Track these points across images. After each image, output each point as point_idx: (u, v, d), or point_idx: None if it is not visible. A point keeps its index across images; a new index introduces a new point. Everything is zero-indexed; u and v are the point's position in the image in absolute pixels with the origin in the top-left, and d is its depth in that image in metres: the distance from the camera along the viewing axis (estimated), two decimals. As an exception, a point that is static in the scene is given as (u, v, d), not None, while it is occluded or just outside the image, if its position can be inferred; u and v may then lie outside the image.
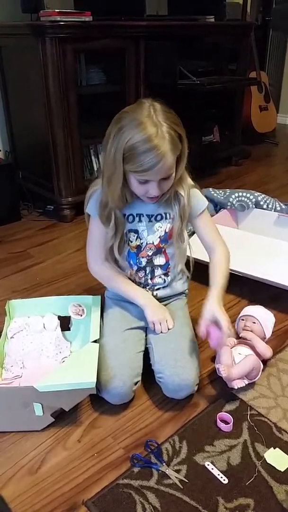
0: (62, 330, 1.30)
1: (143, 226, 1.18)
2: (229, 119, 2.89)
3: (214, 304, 1.13)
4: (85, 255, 1.26)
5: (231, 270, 1.52)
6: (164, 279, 1.25)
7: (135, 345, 1.17)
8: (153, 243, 1.19)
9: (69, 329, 1.32)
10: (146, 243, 1.19)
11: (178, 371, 1.09)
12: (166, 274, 1.25)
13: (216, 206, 1.91)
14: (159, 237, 1.19)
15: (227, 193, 1.90)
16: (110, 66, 2.28)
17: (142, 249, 1.20)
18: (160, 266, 1.22)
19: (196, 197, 1.19)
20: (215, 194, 1.90)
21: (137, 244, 1.19)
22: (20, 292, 1.62)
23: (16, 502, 0.91)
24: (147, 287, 1.25)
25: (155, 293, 1.25)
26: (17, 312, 1.35)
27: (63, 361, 1.21)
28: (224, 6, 2.83)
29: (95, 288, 1.56)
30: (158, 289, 1.25)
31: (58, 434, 1.05)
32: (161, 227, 1.18)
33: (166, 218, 1.18)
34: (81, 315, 1.32)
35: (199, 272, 1.30)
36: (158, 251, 1.20)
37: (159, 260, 1.22)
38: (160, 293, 1.26)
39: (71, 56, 1.91)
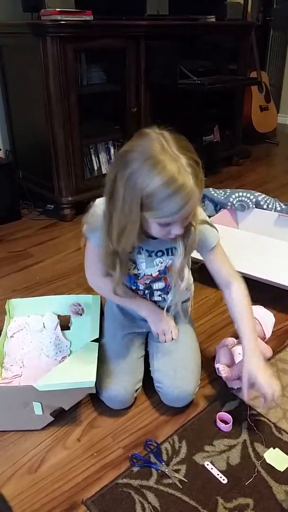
0: (61, 330, 1.30)
1: (142, 259, 1.08)
2: (230, 119, 2.89)
3: (253, 364, 1.01)
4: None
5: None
6: (164, 297, 1.18)
7: (137, 350, 1.17)
8: (151, 275, 1.11)
9: (68, 329, 1.32)
10: (144, 274, 1.11)
11: (177, 383, 1.08)
12: (166, 293, 1.18)
13: (216, 206, 1.91)
14: (158, 270, 1.11)
15: (227, 193, 1.90)
16: (111, 66, 2.27)
17: (139, 277, 1.13)
18: (159, 289, 1.16)
19: (206, 232, 1.07)
20: (215, 194, 1.90)
21: (134, 273, 1.12)
22: (20, 291, 1.62)
23: (15, 501, 0.91)
24: (160, 297, 1.19)
25: (157, 304, 1.20)
26: (17, 311, 1.35)
27: (63, 361, 1.21)
28: (225, 5, 2.82)
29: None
30: (159, 301, 1.20)
31: (58, 433, 1.05)
32: (161, 263, 1.09)
33: (167, 255, 1.09)
34: (81, 314, 1.32)
35: (199, 272, 1.30)
36: (157, 279, 1.13)
37: (158, 285, 1.15)
38: (163, 304, 1.19)
39: (72, 55, 1.91)
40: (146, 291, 1.17)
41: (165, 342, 1.16)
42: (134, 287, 1.17)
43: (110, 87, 2.29)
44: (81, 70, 2.18)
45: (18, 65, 2.10)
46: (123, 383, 1.08)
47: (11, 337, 1.27)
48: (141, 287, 1.16)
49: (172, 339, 1.16)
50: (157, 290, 1.17)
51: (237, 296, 1.11)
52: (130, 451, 1.01)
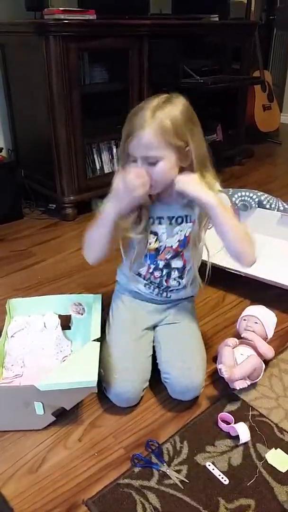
0: (62, 329, 1.30)
1: (163, 229, 1.14)
2: (233, 118, 2.88)
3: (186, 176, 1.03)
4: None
5: (234, 270, 1.52)
6: (179, 281, 1.21)
7: (146, 348, 1.17)
8: (171, 246, 1.16)
9: (69, 328, 1.32)
10: (165, 247, 1.16)
11: (185, 373, 1.08)
12: (181, 277, 1.21)
13: (219, 206, 1.90)
14: (178, 240, 1.15)
15: (230, 193, 1.89)
16: (114, 65, 2.27)
17: (160, 252, 1.17)
18: (177, 268, 1.19)
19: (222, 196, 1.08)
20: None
21: (155, 247, 1.16)
22: (21, 290, 1.62)
23: (16, 501, 0.91)
24: (161, 288, 1.22)
25: (169, 295, 1.23)
26: (18, 311, 1.35)
27: (64, 360, 1.21)
28: (228, 5, 2.82)
29: (97, 287, 1.56)
30: (172, 291, 1.23)
31: (59, 433, 1.05)
32: (181, 231, 1.14)
33: (187, 222, 1.13)
34: (82, 314, 1.32)
35: (200, 273, 1.30)
36: (176, 254, 1.17)
37: (177, 263, 1.19)
38: (174, 295, 1.24)
39: (75, 55, 1.91)
40: (165, 271, 1.19)
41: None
42: (153, 267, 1.19)
43: (113, 86, 2.29)
44: (84, 69, 2.18)
45: (21, 64, 2.10)
46: (132, 382, 1.08)
47: (11, 336, 1.27)
48: (161, 264, 1.18)
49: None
50: (175, 269, 1.19)
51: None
52: (131, 451, 1.00)
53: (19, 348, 1.24)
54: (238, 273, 1.52)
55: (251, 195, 1.88)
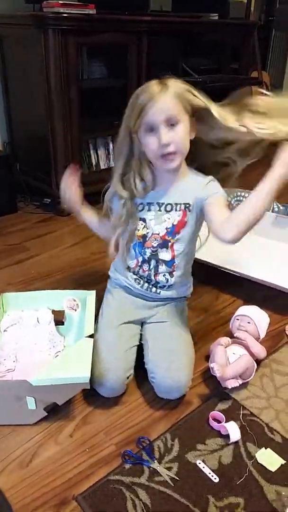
0: (56, 325, 1.30)
1: (152, 216, 1.17)
2: (230, 118, 2.88)
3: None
4: (81, 250, 1.26)
5: (228, 269, 1.53)
6: (168, 278, 1.22)
7: (130, 339, 1.17)
8: (159, 233, 1.17)
9: (62, 324, 1.31)
10: (152, 233, 1.18)
11: (171, 374, 1.09)
12: (170, 274, 1.22)
13: (214, 205, 1.91)
14: (166, 228, 1.17)
15: (226, 192, 1.90)
16: (112, 61, 2.26)
17: (147, 239, 1.18)
18: (164, 262, 1.20)
19: (212, 186, 1.14)
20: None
21: (143, 234, 1.18)
22: (15, 285, 1.61)
23: (6, 495, 0.90)
24: (151, 284, 1.23)
25: (158, 291, 1.24)
26: (11, 305, 1.34)
27: (57, 356, 1.20)
28: (228, 4, 2.82)
29: (91, 283, 1.55)
30: (161, 287, 1.24)
31: (50, 428, 1.05)
32: (169, 219, 1.16)
33: (176, 210, 1.15)
34: (75, 310, 1.31)
35: (195, 271, 1.30)
36: (164, 244, 1.18)
37: (164, 255, 1.19)
38: (164, 293, 1.24)
39: (73, 49, 1.89)
40: (152, 262, 1.20)
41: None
42: (141, 259, 1.21)
43: (111, 82, 2.28)
44: (82, 64, 2.17)
45: (19, 57, 2.08)
46: (115, 370, 1.08)
47: (4, 331, 1.26)
48: (148, 253, 1.19)
49: None
50: (162, 262, 1.19)
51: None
52: (122, 448, 1.00)
53: (11, 343, 1.23)
54: (232, 272, 1.53)
55: (246, 195, 1.88)
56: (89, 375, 0.99)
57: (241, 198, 1.86)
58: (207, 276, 1.57)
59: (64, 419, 1.07)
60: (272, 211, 1.87)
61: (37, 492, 0.91)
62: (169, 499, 0.90)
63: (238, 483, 0.94)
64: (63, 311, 1.32)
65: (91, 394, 1.11)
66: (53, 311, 1.32)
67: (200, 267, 1.24)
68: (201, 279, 1.59)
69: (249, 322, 1.27)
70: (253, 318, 1.28)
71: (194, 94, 1.06)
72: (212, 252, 1.36)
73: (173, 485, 0.93)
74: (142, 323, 1.25)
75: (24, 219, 2.15)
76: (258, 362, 1.23)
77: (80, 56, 2.11)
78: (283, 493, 0.91)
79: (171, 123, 1.04)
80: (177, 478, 0.94)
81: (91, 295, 1.30)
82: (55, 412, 1.07)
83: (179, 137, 1.06)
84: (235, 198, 1.86)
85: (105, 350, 1.11)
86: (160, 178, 1.16)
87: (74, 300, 1.32)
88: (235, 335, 1.26)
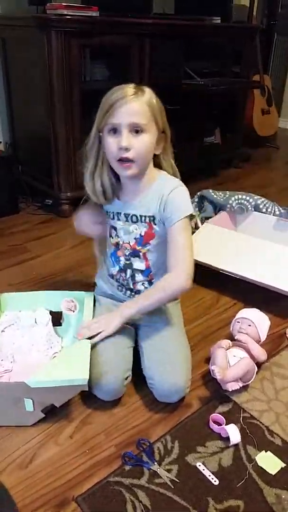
0: (53, 326, 1.30)
1: (120, 225, 1.17)
2: (231, 121, 2.89)
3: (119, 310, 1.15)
4: (82, 251, 1.26)
5: (228, 272, 1.53)
6: (147, 287, 1.22)
7: (126, 340, 1.17)
8: (129, 243, 1.18)
9: (60, 325, 1.31)
10: (123, 242, 1.18)
11: (167, 377, 1.08)
12: (149, 282, 1.21)
13: (216, 208, 1.91)
14: (135, 238, 1.17)
15: (227, 195, 1.90)
16: (115, 63, 2.27)
17: (119, 247, 1.19)
18: (140, 271, 1.20)
19: (175, 202, 1.09)
20: (214, 196, 1.90)
21: (116, 242, 1.20)
22: (16, 285, 1.61)
23: (6, 496, 0.90)
24: (133, 291, 1.24)
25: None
26: (9, 305, 1.34)
27: (54, 356, 1.20)
28: (231, 8, 2.83)
29: (92, 285, 1.55)
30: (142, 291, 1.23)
31: (50, 429, 1.05)
32: (136, 229, 1.16)
33: (141, 221, 1.14)
34: (73, 311, 1.31)
35: (195, 274, 1.30)
36: (135, 253, 1.18)
37: (139, 265, 1.19)
38: None
39: (76, 51, 1.90)
40: (128, 271, 1.21)
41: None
42: (116, 266, 1.22)
43: (113, 84, 2.26)
44: (85, 66, 2.17)
45: (22, 59, 2.09)
46: (112, 372, 1.07)
47: (1, 331, 1.26)
48: (122, 262, 1.20)
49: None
50: (137, 271, 1.20)
51: (165, 281, 1.12)
52: (122, 450, 1.00)
53: (9, 343, 1.23)
54: (232, 275, 1.53)
55: (247, 198, 1.89)
56: (88, 377, 0.98)
57: (241, 201, 1.87)
58: (208, 279, 1.57)
59: (64, 420, 1.07)
60: (273, 214, 1.87)
61: (37, 493, 0.91)
62: (169, 501, 0.90)
63: (238, 485, 0.94)
64: (61, 312, 1.32)
65: (91, 395, 1.11)
66: (51, 312, 1.32)
67: (201, 270, 1.24)
68: (202, 282, 1.59)
69: (249, 325, 1.27)
70: (254, 321, 1.28)
71: (162, 116, 1.07)
72: (212, 255, 1.36)
73: (173, 487, 0.93)
74: (136, 326, 1.24)
75: (25, 220, 2.16)
76: (259, 365, 1.23)
77: (83, 58, 2.11)
78: (283, 496, 0.91)
79: (136, 129, 1.02)
80: (177, 480, 0.94)
81: (89, 296, 1.30)
82: (55, 413, 1.07)
83: (141, 145, 1.03)
84: (236, 201, 1.87)
85: (102, 354, 1.10)
86: (125, 187, 1.15)
87: (72, 301, 1.32)
88: (235, 338, 1.26)
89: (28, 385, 0.97)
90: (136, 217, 1.15)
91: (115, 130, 1.03)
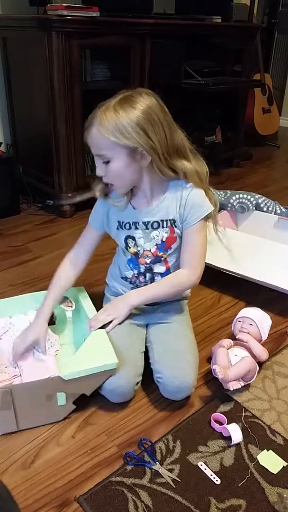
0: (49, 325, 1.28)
1: (140, 234, 1.16)
2: (232, 120, 2.89)
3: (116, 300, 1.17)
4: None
5: (230, 271, 1.53)
6: None
7: (138, 344, 1.17)
8: (150, 250, 1.17)
9: (54, 323, 1.30)
10: (143, 250, 1.17)
11: (177, 373, 1.09)
12: None
13: (216, 207, 1.91)
14: (156, 245, 1.16)
15: (228, 194, 1.90)
16: (115, 63, 2.27)
17: (139, 256, 1.18)
18: (160, 273, 1.20)
19: (194, 204, 1.10)
20: (215, 195, 1.90)
21: (134, 251, 1.18)
22: (17, 286, 1.62)
23: (8, 496, 0.91)
24: None
25: None
26: None
27: (56, 354, 1.20)
28: (231, 7, 2.82)
29: (94, 285, 1.56)
30: None
31: (52, 429, 1.05)
32: (157, 236, 1.15)
33: (163, 227, 1.14)
34: (71, 307, 1.30)
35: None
36: (157, 259, 1.17)
37: (159, 268, 1.19)
38: None
39: (77, 51, 1.90)
40: (148, 276, 1.20)
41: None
42: (136, 272, 1.21)
43: (114, 84, 2.28)
44: (86, 66, 2.18)
45: (23, 59, 2.09)
46: (126, 376, 1.08)
47: None
48: (142, 268, 1.19)
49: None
50: (158, 274, 1.20)
51: (172, 277, 1.18)
52: (124, 450, 1.01)
53: (8, 350, 1.22)
54: (234, 274, 1.53)
55: (248, 197, 1.89)
56: (117, 361, 1.02)
57: (242, 200, 1.87)
58: (210, 278, 1.57)
59: (66, 421, 1.07)
60: (274, 213, 1.87)
61: (39, 493, 0.91)
62: (171, 501, 0.90)
63: (239, 485, 0.94)
64: (53, 311, 1.30)
65: (93, 396, 1.11)
66: None
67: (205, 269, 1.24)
68: (203, 281, 1.58)
69: (251, 324, 1.27)
70: (255, 320, 1.28)
71: (132, 134, 0.97)
72: (214, 254, 1.36)
73: (174, 486, 0.93)
74: (146, 326, 1.24)
75: (27, 220, 2.16)
76: (260, 364, 1.23)
77: (84, 58, 2.12)
78: (285, 495, 0.91)
79: (103, 160, 1.03)
80: (179, 480, 0.94)
81: (81, 290, 1.31)
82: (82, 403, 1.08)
83: (110, 174, 1.04)
84: (237, 200, 1.87)
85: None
86: (137, 195, 1.14)
87: (67, 298, 1.30)
88: (237, 337, 1.26)
89: (63, 378, 0.98)
90: (158, 223, 1.13)
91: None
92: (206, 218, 1.12)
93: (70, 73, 1.91)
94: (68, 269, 1.25)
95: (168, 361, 1.11)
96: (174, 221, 1.13)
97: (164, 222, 1.14)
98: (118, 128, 0.97)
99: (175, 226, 1.14)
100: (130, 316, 1.21)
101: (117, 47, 2.12)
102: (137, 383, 1.11)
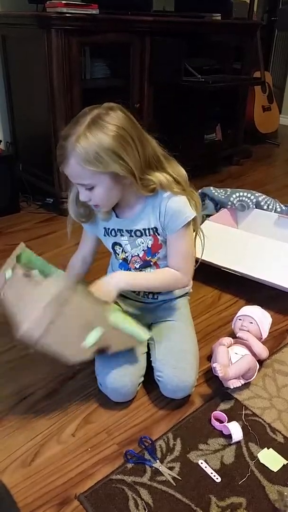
0: None
1: (126, 240, 1.15)
2: (232, 118, 2.88)
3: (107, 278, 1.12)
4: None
5: (230, 270, 1.53)
6: (157, 296, 1.23)
7: (141, 347, 1.16)
8: (138, 255, 1.16)
9: None
10: (132, 256, 1.17)
11: (178, 372, 1.09)
12: None
13: (217, 205, 1.91)
14: (143, 250, 1.15)
15: (228, 193, 1.90)
16: (115, 61, 2.26)
17: (128, 261, 1.18)
18: None
19: (173, 211, 1.07)
20: (215, 193, 1.90)
21: (123, 257, 1.18)
22: (18, 284, 1.61)
23: (8, 494, 0.91)
24: (146, 292, 1.23)
25: (155, 296, 1.24)
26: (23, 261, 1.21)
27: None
28: (231, 4, 2.82)
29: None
30: (157, 292, 1.23)
31: (52, 427, 1.05)
32: (142, 243, 1.14)
33: (146, 235, 1.13)
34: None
35: (197, 271, 1.30)
36: (147, 263, 1.17)
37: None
38: (161, 297, 1.24)
39: (76, 49, 1.90)
40: None
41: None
42: None
43: (113, 82, 2.28)
44: (85, 64, 2.17)
45: (22, 57, 2.09)
46: (130, 376, 1.08)
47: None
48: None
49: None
50: None
51: (167, 271, 1.15)
52: (124, 448, 1.01)
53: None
54: (234, 272, 1.53)
55: (248, 195, 1.89)
56: (149, 336, 1.08)
57: (243, 198, 1.86)
58: (210, 276, 1.57)
59: (66, 419, 1.07)
60: (274, 211, 1.87)
61: (40, 491, 0.92)
62: (171, 499, 0.90)
63: (240, 483, 0.94)
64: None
65: (93, 394, 1.12)
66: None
67: (202, 268, 1.24)
68: (204, 280, 1.59)
69: (251, 322, 1.27)
70: (256, 318, 1.28)
71: (110, 159, 0.95)
72: (214, 253, 1.36)
73: (175, 484, 0.93)
74: (148, 326, 1.24)
75: (27, 219, 2.16)
76: (261, 362, 1.23)
77: (83, 56, 2.11)
78: (285, 493, 0.91)
79: (86, 188, 1.01)
80: (179, 478, 0.94)
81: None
82: (57, 411, 1.08)
83: (97, 198, 1.03)
84: (237, 198, 1.86)
85: (119, 356, 1.09)
86: (119, 205, 1.12)
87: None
88: (237, 335, 1.26)
89: (108, 314, 0.99)
90: (140, 231, 1.13)
91: None
92: (188, 223, 1.10)
93: (69, 70, 1.90)
94: (77, 268, 1.29)
95: (169, 360, 1.11)
96: (156, 229, 1.11)
97: (147, 231, 1.12)
98: (96, 157, 0.94)
99: (158, 234, 1.12)
100: (132, 316, 1.21)
101: (117, 44, 2.11)
102: (139, 383, 1.12)
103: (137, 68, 2.16)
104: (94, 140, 0.94)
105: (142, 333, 1.07)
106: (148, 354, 1.17)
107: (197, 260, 1.22)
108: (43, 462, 0.97)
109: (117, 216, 1.14)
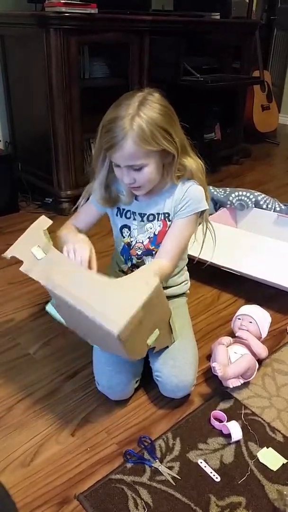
0: None
1: (135, 225, 1.17)
2: (231, 117, 2.88)
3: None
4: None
5: (229, 269, 1.53)
6: None
7: None
8: (142, 242, 1.17)
9: None
10: (136, 242, 1.18)
11: (176, 372, 1.09)
12: None
13: (216, 205, 1.91)
14: (149, 237, 1.16)
15: (227, 192, 1.90)
16: (114, 60, 2.26)
17: (131, 247, 1.19)
18: None
19: (189, 198, 1.09)
20: (215, 193, 1.90)
21: (128, 241, 1.19)
22: (16, 284, 1.62)
23: (8, 494, 0.91)
24: None
25: None
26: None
27: None
28: (230, 3, 2.81)
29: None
30: None
31: (52, 427, 1.05)
32: (151, 228, 1.15)
33: (157, 220, 1.14)
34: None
35: (196, 271, 1.30)
36: (148, 252, 1.18)
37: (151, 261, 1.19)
38: None
39: (75, 48, 1.89)
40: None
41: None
42: (129, 265, 1.21)
43: (112, 81, 2.28)
44: (84, 63, 2.17)
45: (21, 56, 2.08)
46: (126, 374, 1.08)
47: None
48: (134, 260, 1.20)
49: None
50: None
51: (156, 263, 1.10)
52: (124, 447, 1.01)
53: None
54: (233, 272, 1.53)
55: (248, 194, 1.88)
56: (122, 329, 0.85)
57: (242, 197, 1.86)
58: (209, 275, 1.57)
59: (66, 418, 1.07)
60: (274, 211, 1.87)
61: (39, 491, 0.91)
62: (171, 498, 0.90)
63: (239, 482, 0.94)
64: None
65: (92, 394, 1.11)
66: None
67: (202, 267, 1.23)
68: (203, 279, 1.59)
69: (250, 322, 1.27)
70: (255, 318, 1.27)
71: (163, 135, 0.98)
72: (213, 252, 1.36)
73: (174, 484, 0.93)
74: None
75: (26, 218, 2.15)
76: (260, 361, 1.23)
77: (82, 55, 2.11)
78: (285, 492, 0.91)
79: (134, 169, 1.01)
80: (179, 477, 0.94)
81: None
82: (56, 411, 1.08)
83: (143, 179, 1.03)
84: (236, 198, 1.86)
85: (116, 356, 1.09)
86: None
87: None
88: (236, 335, 1.25)
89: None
90: (153, 215, 1.14)
91: (118, 165, 1.03)
92: (199, 214, 1.11)
93: (68, 70, 1.90)
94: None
95: (168, 360, 1.11)
96: (168, 215, 1.13)
97: (159, 215, 1.14)
98: (152, 135, 0.97)
99: (169, 220, 1.14)
100: None
101: (116, 44, 2.11)
102: (136, 381, 1.12)
103: (136, 67, 2.16)
104: (148, 118, 0.96)
105: (174, 335, 1.10)
106: (147, 354, 1.17)
107: (204, 261, 1.22)
108: (43, 462, 0.97)
109: (135, 199, 1.15)
